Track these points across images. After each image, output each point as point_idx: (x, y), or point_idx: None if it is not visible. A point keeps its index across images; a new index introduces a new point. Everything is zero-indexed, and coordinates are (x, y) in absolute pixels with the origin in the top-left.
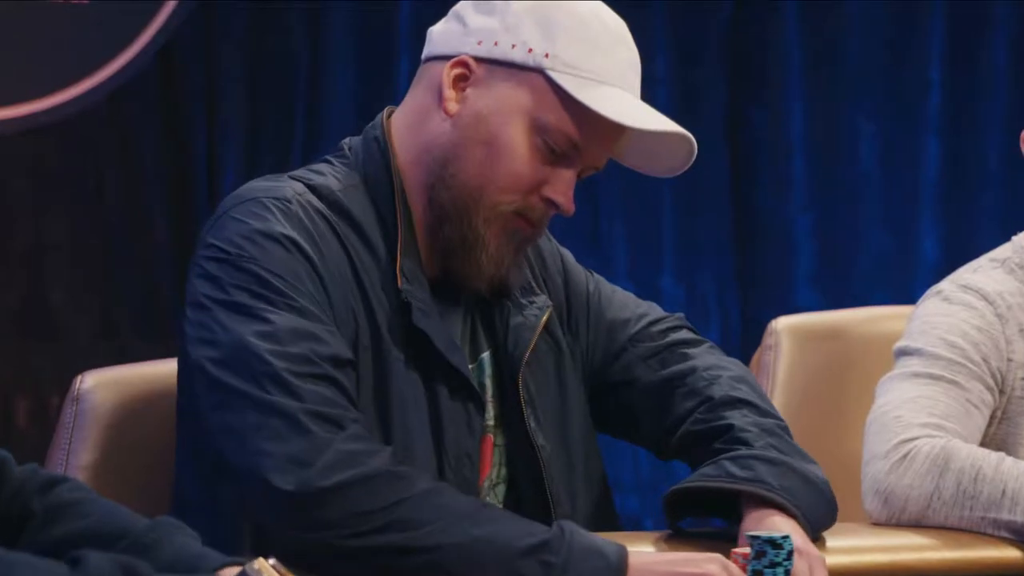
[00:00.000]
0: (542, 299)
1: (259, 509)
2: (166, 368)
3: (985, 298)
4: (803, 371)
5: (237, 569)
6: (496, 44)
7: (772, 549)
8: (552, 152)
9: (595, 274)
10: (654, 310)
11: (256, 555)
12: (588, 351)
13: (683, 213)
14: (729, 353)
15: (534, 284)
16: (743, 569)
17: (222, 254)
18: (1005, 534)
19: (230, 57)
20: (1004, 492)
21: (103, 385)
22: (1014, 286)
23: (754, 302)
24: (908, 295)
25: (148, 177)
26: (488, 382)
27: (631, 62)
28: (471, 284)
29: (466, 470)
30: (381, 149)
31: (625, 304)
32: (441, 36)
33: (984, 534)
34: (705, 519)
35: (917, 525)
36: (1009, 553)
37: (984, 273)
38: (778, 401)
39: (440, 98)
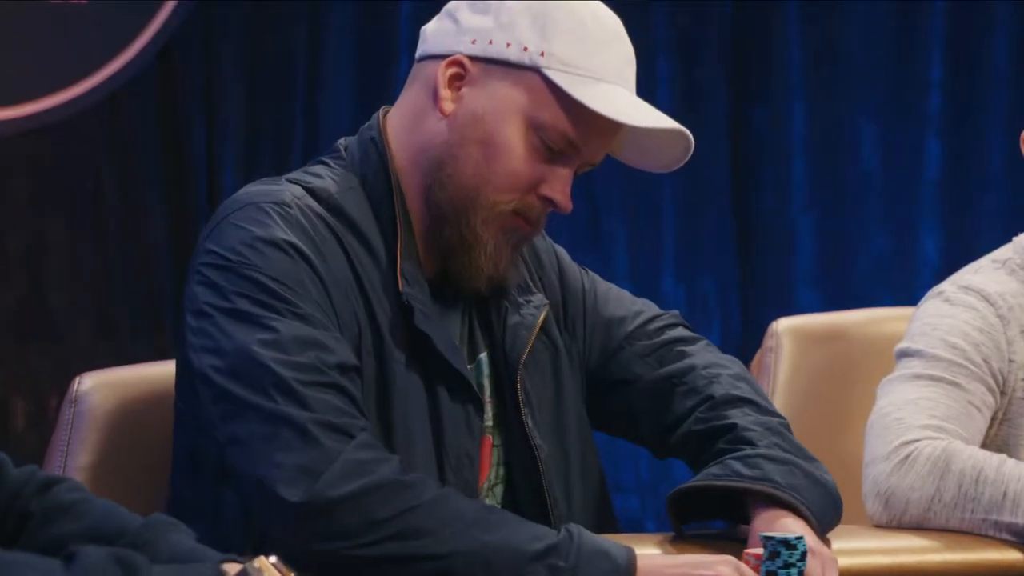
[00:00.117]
0: (538, 298)
1: (268, 519)
2: (164, 369)
3: (986, 299)
4: (804, 372)
5: (238, 567)
6: (491, 43)
7: (786, 550)
8: (549, 150)
9: (590, 272)
10: (649, 307)
11: (257, 555)
12: (585, 349)
13: (684, 213)
14: (730, 354)
15: (530, 283)
16: (756, 570)
17: (223, 261)
18: (1007, 536)
19: (229, 57)
20: (1005, 494)
21: (101, 386)
22: (1015, 287)
23: (755, 303)
24: (909, 296)
25: (147, 177)
26: (486, 383)
27: (627, 58)
28: (470, 284)
29: (466, 471)
30: (378, 150)
31: (621, 302)
32: (435, 35)
33: (985, 536)
34: (708, 521)
35: (918, 527)
36: (1010, 555)
37: (985, 274)
38: (779, 402)
39: (436, 98)
